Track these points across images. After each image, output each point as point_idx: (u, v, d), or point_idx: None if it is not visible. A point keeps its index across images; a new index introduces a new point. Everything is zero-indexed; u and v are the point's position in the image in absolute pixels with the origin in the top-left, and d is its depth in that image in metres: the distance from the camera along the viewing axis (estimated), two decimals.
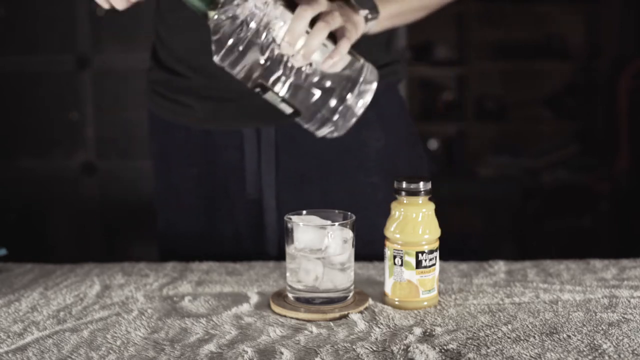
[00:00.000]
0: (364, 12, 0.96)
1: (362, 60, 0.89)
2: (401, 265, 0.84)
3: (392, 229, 0.86)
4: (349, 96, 0.86)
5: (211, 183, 1.14)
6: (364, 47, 1.11)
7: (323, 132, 0.88)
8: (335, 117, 0.86)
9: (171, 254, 1.11)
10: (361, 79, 0.87)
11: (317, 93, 0.86)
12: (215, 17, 0.85)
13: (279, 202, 1.11)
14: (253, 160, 1.11)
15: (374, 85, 0.88)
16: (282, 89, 0.86)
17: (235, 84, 1.08)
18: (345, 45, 0.88)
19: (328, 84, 0.86)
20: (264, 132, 1.11)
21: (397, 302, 0.85)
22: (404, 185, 0.85)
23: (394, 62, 1.17)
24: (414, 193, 0.85)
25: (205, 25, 1.04)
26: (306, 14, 0.85)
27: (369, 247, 1.10)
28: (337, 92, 0.86)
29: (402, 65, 1.19)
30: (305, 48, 0.85)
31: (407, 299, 0.84)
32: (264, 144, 1.11)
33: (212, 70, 1.09)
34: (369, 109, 1.12)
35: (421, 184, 0.85)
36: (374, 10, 0.99)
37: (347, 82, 0.86)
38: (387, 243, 0.86)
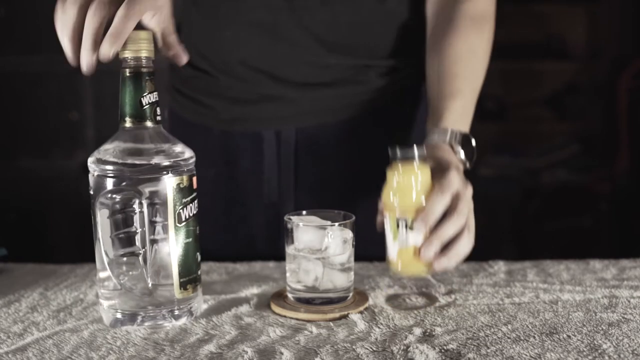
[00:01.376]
0: (464, 160, 0.94)
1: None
2: (405, 229, 0.83)
3: (392, 196, 0.84)
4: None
5: (229, 185, 1.12)
6: (398, 46, 1.10)
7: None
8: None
9: None
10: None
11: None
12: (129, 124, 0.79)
13: (297, 206, 1.09)
14: (272, 163, 1.10)
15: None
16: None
17: (258, 86, 1.08)
18: None
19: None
20: (284, 134, 1.09)
21: (400, 268, 0.84)
22: (399, 151, 0.84)
23: (420, 61, 1.15)
24: (409, 158, 0.83)
25: (229, 25, 1.01)
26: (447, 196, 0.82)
27: None
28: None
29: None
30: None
31: (411, 263, 0.83)
32: (284, 147, 1.09)
33: (235, 70, 1.08)
34: (392, 111, 1.11)
35: (415, 147, 0.83)
36: (471, 157, 0.95)
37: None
38: (388, 212, 0.85)
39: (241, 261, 1.05)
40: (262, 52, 1.06)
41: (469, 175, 0.91)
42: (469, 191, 0.85)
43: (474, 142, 0.95)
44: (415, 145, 0.84)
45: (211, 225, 1.13)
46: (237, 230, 1.13)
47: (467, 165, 0.95)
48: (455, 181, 0.84)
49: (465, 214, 0.83)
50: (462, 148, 0.94)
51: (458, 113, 0.96)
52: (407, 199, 0.83)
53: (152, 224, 0.77)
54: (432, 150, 0.92)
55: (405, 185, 0.84)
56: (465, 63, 1.01)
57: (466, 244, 0.83)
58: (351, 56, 1.07)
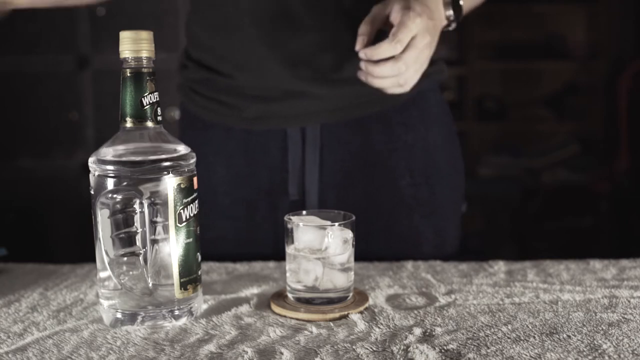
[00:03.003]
0: (448, 13, 1.00)
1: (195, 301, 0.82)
2: None
3: None
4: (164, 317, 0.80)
5: (252, 184, 1.11)
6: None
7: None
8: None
9: (208, 257, 1.04)
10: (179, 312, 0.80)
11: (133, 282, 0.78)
12: (129, 125, 0.78)
13: (321, 204, 1.09)
14: (296, 160, 1.09)
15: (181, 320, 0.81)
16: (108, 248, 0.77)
17: (282, 83, 1.07)
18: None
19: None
20: (309, 131, 1.09)
21: None
22: None
23: (439, 60, 1.15)
24: None
25: (251, 21, 1.00)
26: (398, 48, 0.91)
27: (413, 250, 1.09)
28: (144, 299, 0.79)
29: (444, 63, 1.18)
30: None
31: None
32: (309, 144, 1.09)
33: (258, 68, 1.07)
34: (415, 108, 1.12)
35: None
36: (459, 13, 1.01)
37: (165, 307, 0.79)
38: None
39: (263, 260, 1.05)
40: (286, 47, 1.05)
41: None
42: (429, 37, 0.94)
43: (462, 2, 1.01)
44: None
45: (232, 225, 1.13)
46: (259, 229, 1.12)
47: (449, 22, 1.01)
48: (410, 33, 0.92)
49: (417, 56, 0.93)
50: (455, 5, 1.00)
51: None
52: None
53: (153, 224, 0.77)
54: None
55: None
56: None
57: (389, 70, 0.93)
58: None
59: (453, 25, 1.01)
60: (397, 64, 0.92)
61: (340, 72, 1.06)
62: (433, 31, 0.95)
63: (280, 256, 1.04)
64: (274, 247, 1.10)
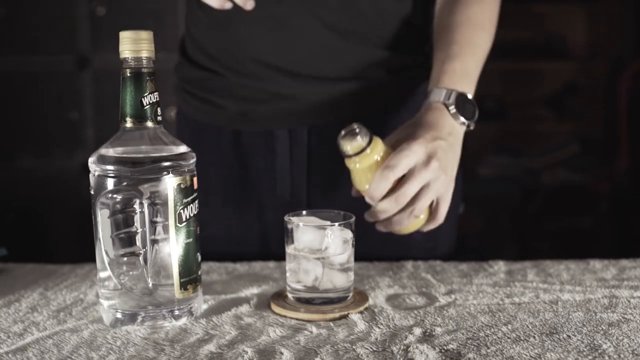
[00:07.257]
0: (463, 120, 0.96)
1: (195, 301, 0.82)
2: None
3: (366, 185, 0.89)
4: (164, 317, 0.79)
5: (241, 184, 1.12)
6: (408, 44, 1.10)
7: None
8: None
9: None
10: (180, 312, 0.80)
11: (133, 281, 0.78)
12: (129, 125, 0.78)
13: (309, 205, 1.10)
14: (285, 161, 1.10)
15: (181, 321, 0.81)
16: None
17: (270, 83, 1.08)
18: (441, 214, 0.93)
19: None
20: (297, 133, 1.09)
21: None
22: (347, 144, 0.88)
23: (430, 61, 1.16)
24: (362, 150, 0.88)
25: (239, 22, 1.00)
26: (390, 176, 0.87)
27: (402, 250, 1.09)
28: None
29: None
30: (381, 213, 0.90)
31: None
32: (296, 145, 1.10)
33: (247, 68, 1.08)
34: (405, 110, 1.12)
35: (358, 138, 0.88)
36: (472, 117, 0.97)
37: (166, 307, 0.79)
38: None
39: (252, 259, 1.05)
40: (274, 47, 1.06)
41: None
42: (435, 161, 0.89)
43: (470, 98, 0.97)
44: (356, 135, 0.88)
45: (223, 224, 1.13)
46: (248, 229, 1.13)
47: (467, 125, 0.97)
48: (405, 158, 0.87)
49: (420, 184, 0.88)
50: (463, 108, 0.95)
51: (456, 75, 0.97)
52: (361, 187, 0.90)
53: (153, 224, 0.77)
54: (422, 114, 0.95)
55: (355, 174, 0.90)
56: (463, 30, 1.02)
57: (387, 204, 0.88)
58: (363, 45, 1.06)
59: (472, 126, 0.97)
60: (395, 195, 0.88)
61: (327, 73, 1.06)
62: (447, 148, 0.92)
63: (268, 256, 1.05)
64: (262, 247, 1.11)
